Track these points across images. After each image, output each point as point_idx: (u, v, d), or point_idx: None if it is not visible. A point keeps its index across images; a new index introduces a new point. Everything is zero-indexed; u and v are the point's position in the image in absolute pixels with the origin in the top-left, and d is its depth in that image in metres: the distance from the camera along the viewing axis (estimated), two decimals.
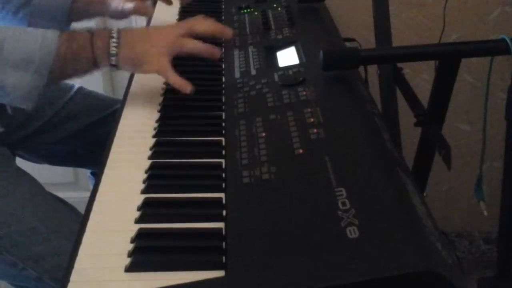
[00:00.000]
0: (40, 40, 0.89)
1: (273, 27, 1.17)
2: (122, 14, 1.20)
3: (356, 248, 0.57)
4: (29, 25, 1.18)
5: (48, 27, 0.96)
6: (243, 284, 0.59)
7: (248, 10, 1.29)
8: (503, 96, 1.15)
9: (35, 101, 0.90)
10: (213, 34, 0.99)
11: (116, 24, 1.12)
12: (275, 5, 1.27)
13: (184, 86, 0.92)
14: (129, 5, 1.16)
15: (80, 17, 1.22)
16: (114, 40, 0.90)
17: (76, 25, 1.22)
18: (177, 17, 1.33)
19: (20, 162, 1.19)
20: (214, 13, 1.33)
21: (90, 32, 0.92)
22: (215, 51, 0.95)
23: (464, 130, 1.82)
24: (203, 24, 0.98)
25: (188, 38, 0.94)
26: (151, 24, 1.28)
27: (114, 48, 0.90)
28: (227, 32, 1.00)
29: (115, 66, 0.92)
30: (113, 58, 0.90)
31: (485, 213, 1.18)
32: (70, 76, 0.95)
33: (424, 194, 1.22)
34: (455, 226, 1.97)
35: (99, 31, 0.92)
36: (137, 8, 1.16)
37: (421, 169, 1.22)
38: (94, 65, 0.92)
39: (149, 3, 1.19)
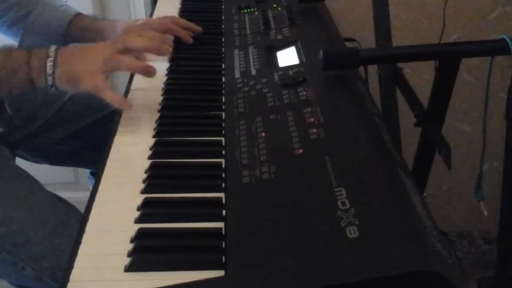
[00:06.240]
0: None
1: (273, 27, 1.17)
2: None
3: (356, 248, 0.57)
4: (22, 40, 1.18)
5: (42, 45, 0.96)
6: (243, 284, 0.59)
7: (248, 10, 1.29)
8: (503, 96, 1.15)
9: None
10: (148, 50, 0.98)
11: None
12: (275, 5, 1.27)
13: (121, 103, 0.92)
14: None
15: (75, 41, 1.21)
16: (50, 59, 0.90)
17: None
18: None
19: (20, 162, 1.19)
20: (214, 13, 1.34)
21: (28, 51, 0.92)
22: (150, 70, 0.94)
23: (464, 130, 1.82)
24: (139, 40, 0.96)
25: (124, 54, 0.93)
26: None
27: (50, 68, 0.90)
28: (163, 49, 0.97)
29: (52, 86, 0.91)
30: (49, 78, 0.90)
31: (485, 213, 1.18)
32: (4, 93, 0.95)
33: (424, 194, 1.22)
34: (455, 226, 1.97)
35: (37, 51, 0.92)
36: None
37: (421, 169, 1.22)
38: (30, 84, 0.91)
39: None
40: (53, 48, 0.92)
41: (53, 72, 0.90)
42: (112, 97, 0.91)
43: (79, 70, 0.90)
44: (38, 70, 0.90)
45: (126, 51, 0.94)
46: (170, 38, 1.11)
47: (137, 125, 0.91)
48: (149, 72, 0.94)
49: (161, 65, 1.08)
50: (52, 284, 0.96)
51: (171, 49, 0.97)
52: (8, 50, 0.94)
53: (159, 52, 0.98)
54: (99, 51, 0.93)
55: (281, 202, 0.67)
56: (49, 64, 0.90)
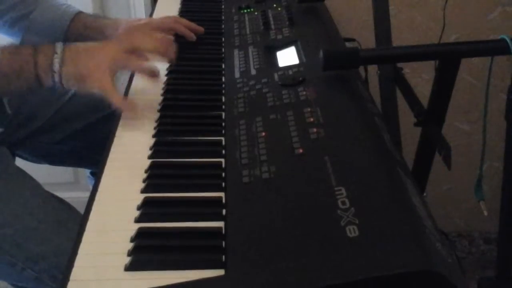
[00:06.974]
0: None
1: (273, 27, 1.17)
2: None
3: (356, 247, 0.57)
4: (24, 39, 1.18)
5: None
6: (243, 283, 0.59)
7: (248, 10, 1.29)
8: (503, 96, 1.15)
9: None
10: (156, 53, 0.98)
11: None
12: (275, 5, 1.27)
13: (126, 106, 0.90)
14: None
15: (77, 39, 1.20)
16: (57, 56, 0.89)
17: None
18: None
19: (20, 162, 1.19)
20: (214, 13, 1.34)
21: (34, 48, 0.90)
22: (156, 73, 0.96)
23: (464, 130, 1.82)
24: (149, 42, 0.96)
25: (132, 55, 0.93)
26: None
27: (57, 65, 0.88)
28: (170, 53, 0.97)
29: (59, 83, 0.90)
30: (55, 75, 0.89)
31: (485, 213, 1.18)
32: (12, 92, 0.95)
33: (424, 194, 1.22)
34: (455, 226, 1.97)
35: (43, 47, 0.90)
36: None
37: (421, 169, 1.22)
38: (37, 81, 0.90)
39: None
40: (60, 44, 0.90)
41: (60, 70, 0.89)
42: (117, 100, 0.90)
43: (87, 69, 0.89)
44: (44, 67, 0.89)
45: (133, 51, 0.93)
46: (171, 38, 1.11)
47: (137, 125, 0.91)
48: (154, 74, 0.95)
49: (161, 65, 1.08)
50: (51, 285, 0.96)
51: (175, 54, 0.96)
52: (14, 47, 0.93)
53: (165, 54, 0.97)
54: (107, 50, 0.92)
55: (281, 202, 0.67)
56: (56, 61, 0.89)
